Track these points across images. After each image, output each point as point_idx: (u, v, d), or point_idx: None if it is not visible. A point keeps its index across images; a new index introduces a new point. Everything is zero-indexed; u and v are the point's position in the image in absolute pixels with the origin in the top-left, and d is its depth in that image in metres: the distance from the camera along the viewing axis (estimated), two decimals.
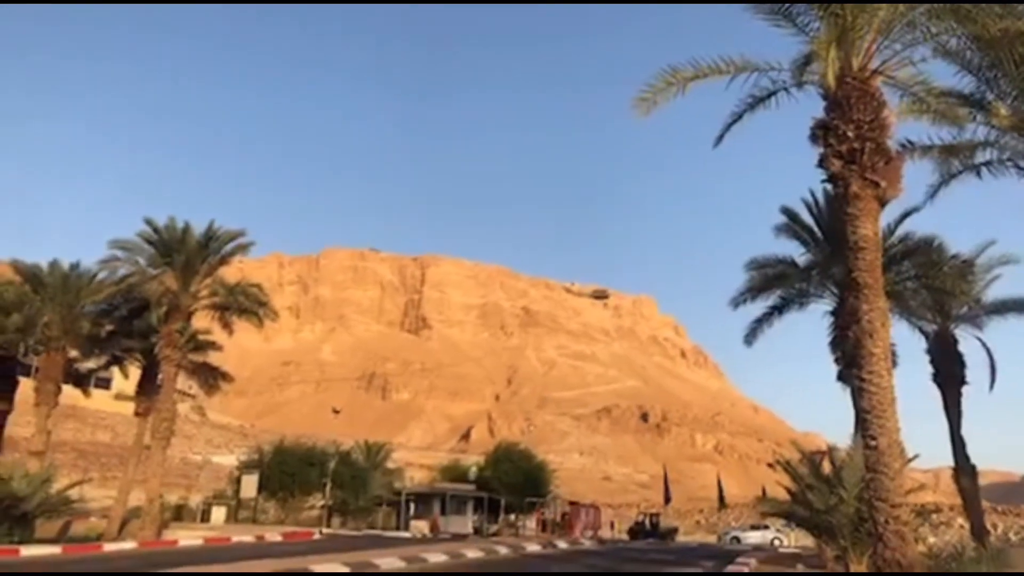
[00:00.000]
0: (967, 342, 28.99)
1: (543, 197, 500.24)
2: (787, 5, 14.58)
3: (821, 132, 14.18)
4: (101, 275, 33.75)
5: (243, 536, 32.70)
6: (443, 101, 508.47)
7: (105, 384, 71.15)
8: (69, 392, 36.69)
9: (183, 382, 37.83)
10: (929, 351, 28.94)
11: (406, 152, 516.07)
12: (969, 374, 28.37)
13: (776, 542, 45.20)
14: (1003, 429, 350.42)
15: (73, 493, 30.36)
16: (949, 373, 28.28)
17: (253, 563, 20.62)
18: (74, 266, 34.07)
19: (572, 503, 56.51)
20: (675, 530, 56.78)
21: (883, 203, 14.06)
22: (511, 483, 53.73)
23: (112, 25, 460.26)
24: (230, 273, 36.10)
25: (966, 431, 28.02)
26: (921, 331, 29.25)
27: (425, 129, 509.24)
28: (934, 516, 48.33)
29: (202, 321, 35.37)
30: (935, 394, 28.50)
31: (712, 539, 55.65)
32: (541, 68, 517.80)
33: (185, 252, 32.59)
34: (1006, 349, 31.66)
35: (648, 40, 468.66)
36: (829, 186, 15.31)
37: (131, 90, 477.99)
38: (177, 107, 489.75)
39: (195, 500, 48.49)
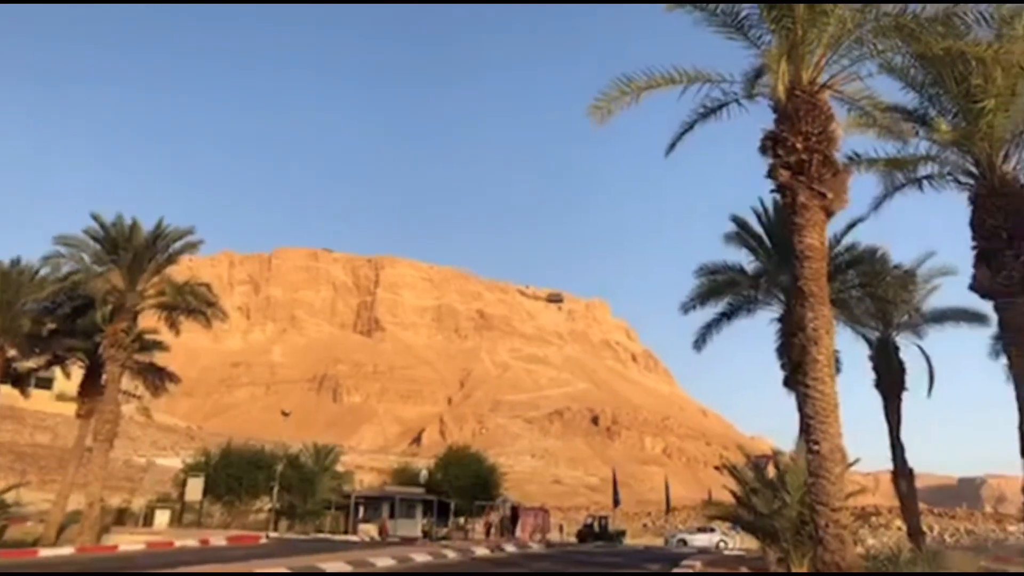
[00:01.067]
0: (907, 350, 29.87)
1: (501, 200, 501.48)
2: (740, 18, 14.84)
3: (771, 143, 14.42)
4: (43, 272, 32.82)
5: (187, 540, 32.05)
6: (400, 102, 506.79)
7: (46, 384, 69.21)
8: (7, 392, 35.70)
9: (128, 383, 36.95)
10: (872, 358, 29.69)
11: (362, 152, 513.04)
12: (909, 381, 29.21)
13: (722, 545, 45.82)
14: (940, 434, 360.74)
15: (9, 497, 29.50)
16: (890, 380, 29.05)
17: (195, 567, 20.25)
18: (15, 262, 33.06)
19: (514, 508, 56.44)
20: (623, 533, 57.21)
21: (830, 214, 14.35)
22: (462, 486, 53.68)
23: (67, 15, 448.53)
24: (179, 272, 35.47)
25: (905, 436, 28.87)
26: (864, 338, 29.98)
27: (382, 129, 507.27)
28: (874, 519, 49.54)
29: (149, 321, 34.66)
30: (877, 400, 29.28)
31: (659, 542, 56.20)
32: (498, 70, 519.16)
33: (132, 249, 31.92)
34: (943, 357, 32.60)
35: (603, 47, 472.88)
36: (778, 196, 15.61)
37: (80, 85, 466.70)
38: (128, 104, 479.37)
39: (138, 504, 47.40)
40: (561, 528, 61.18)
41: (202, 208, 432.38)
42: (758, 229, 27.47)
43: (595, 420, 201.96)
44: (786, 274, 24.90)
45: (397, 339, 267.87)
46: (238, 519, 47.27)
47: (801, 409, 16.71)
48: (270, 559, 22.89)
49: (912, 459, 28.81)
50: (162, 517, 42.52)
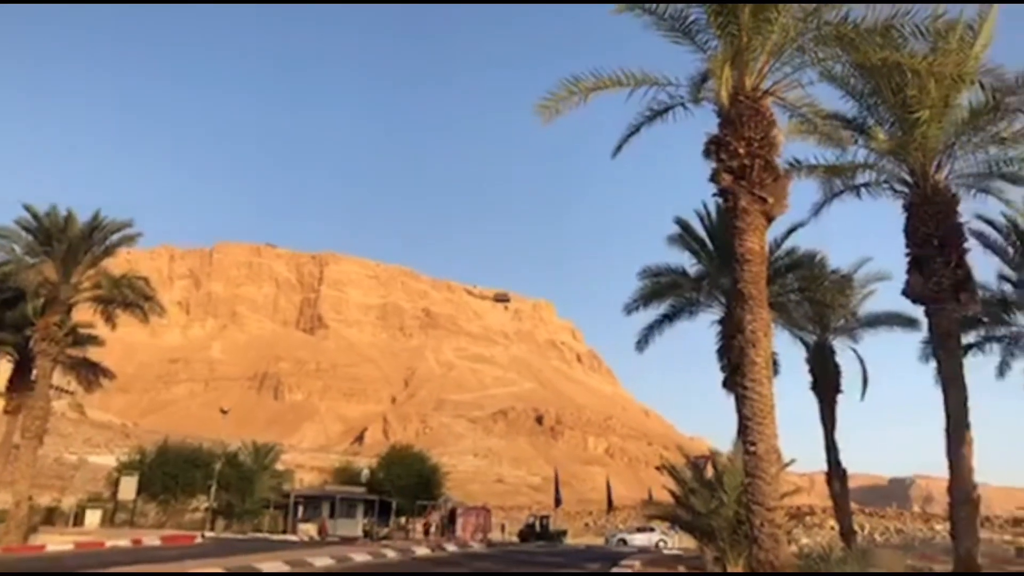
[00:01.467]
0: (843, 353, 30.59)
1: (448, 199, 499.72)
2: (687, 23, 15.00)
3: (714, 147, 14.60)
4: None
5: (119, 540, 31.16)
6: (353, 97, 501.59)
7: None
8: None
9: (60, 378, 35.81)
10: (808, 361, 30.34)
11: (308, 147, 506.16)
12: (843, 383, 29.91)
13: (661, 544, 46.33)
14: (872, 435, 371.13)
15: None
16: (826, 382, 29.72)
17: (126, 568, 19.69)
18: None
19: (452, 509, 56.19)
20: (564, 532, 57.50)
21: (770, 219, 14.58)
22: (404, 486, 53.36)
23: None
24: (117, 265, 34.52)
25: (839, 437, 29.57)
26: (802, 341, 30.62)
27: (330, 124, 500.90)
28: (808, 518, 50.71)
29: (84, 314, 33.66)
30: (813, 401, 29.92)
31: (600, 541, 56.61)
32: (460, 71, 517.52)
33: (67, 241, 30.98)
34: (876, 360, 33.52)
35: (558, 41, 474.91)
36: (720, 200, 15.81)
37: (15, 71, 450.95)
38: (69, 89, 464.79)
39: (68, 503, 46.02)
40: (503, 527, 61.19)
41: (142, 200, 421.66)
42: (701, 232, 27.78)
43: (539, 420, 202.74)
44: (728, 277, 25.25)
45: (341, 337, 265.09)
46: (173, 518, 46.24)
47: (739, 410, 16.96)
48: (205, 559, 22.39)
49: (845, 460, 29.58)
50: (93, 517, 41.35)
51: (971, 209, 19.95)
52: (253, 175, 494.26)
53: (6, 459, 32.64)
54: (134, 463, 47.04)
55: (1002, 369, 25.82)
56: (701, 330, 28.48)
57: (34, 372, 32.16)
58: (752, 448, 13.29)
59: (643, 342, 29.20)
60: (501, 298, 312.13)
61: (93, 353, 35.29)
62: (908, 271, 17.94)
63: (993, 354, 25.63)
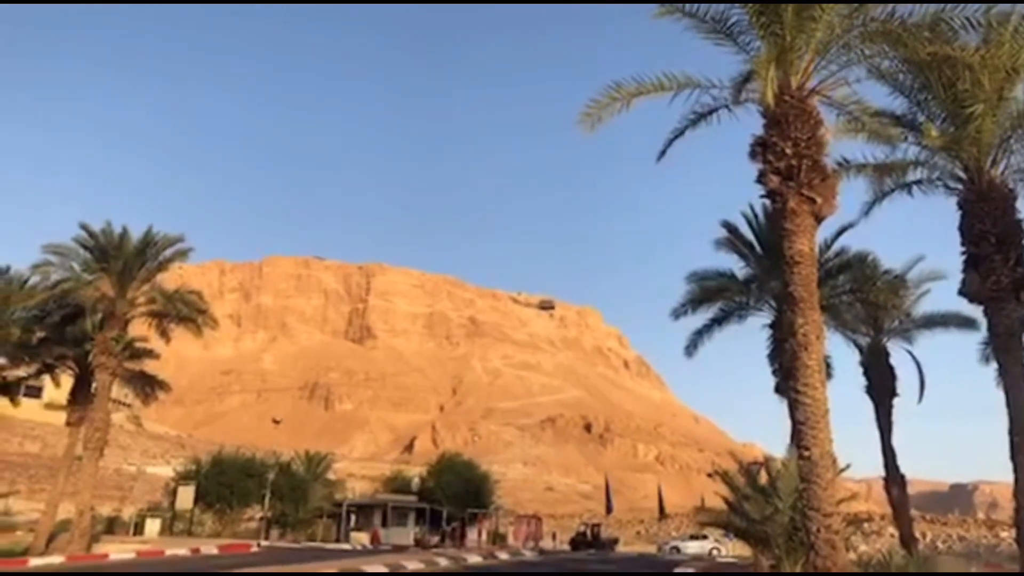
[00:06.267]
0: (898, 355, 29.91)
1: (493, 208, 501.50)
2: (728, 25, 14.88)
3: (760, 149, 14.44)
4: (33, 280, 32.59)
5: (178, 549, 31.86)
6: (395, 110, 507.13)
7: (35, 393, 68.64)
8: None
9: (118, 391, 36.69)
10: (862, 363, 29.73)
11: (354, 160, 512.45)
12: (899, 386, 29.24)
13: (714, 552, 45.79)
14: (931, 439, 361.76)
15: None
16: (881, 385, 29.07)
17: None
18: (3, 271, 32.84)
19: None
20: (616, 540, 57.14)
21: (819, 219, 14.35)
22: (454, 494, 53.47)
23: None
24: (169, 279, 35.31)
25: (896, 442, 28.88)
26: (855, 344, 30.02)
27: (374, 136, 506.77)
28: (866, 525, 49.63)
29: (139, 328, 34.42)
30: (868, 405, 29.30)
31: (652, 549, 56.13)
32: (495, 81, 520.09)
33: (122, 257, 31.76)
34: (933, 362, 32.70)
35: (602, 49, 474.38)
36: (768, 202, 15.63)
37: (67, 93, 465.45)
38: (116, 111, 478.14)
39: (128, 512, 47.10)
40: (554, 536, 61.04)
41: (192, 216, 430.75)
42: (748, 235, 27.48)
43: (587, 427, 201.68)
44: (777, 280, 24.91)
45: (389, 346, 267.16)
46: (229, 527, 47.00)
47: (792, 415, 16.69)
48: (264, 567, 22.75)
49: (903, 465, 28.89)
50: (152, 526, 42.26)
51: None
52: (301, 189, 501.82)
53: (69, 470, 33.53)
54: (190, 473, 47.95)
55: None
56: (751, 334, 28.13)
57: (93, 386, 33.01)
58: (807, 453, 13.08)
59: (692, 347, 28.95)
60: (546, 305, 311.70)
61: (149, 366, 36.06)
62: (964, 270, 17.45)
63: None
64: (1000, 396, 16.72)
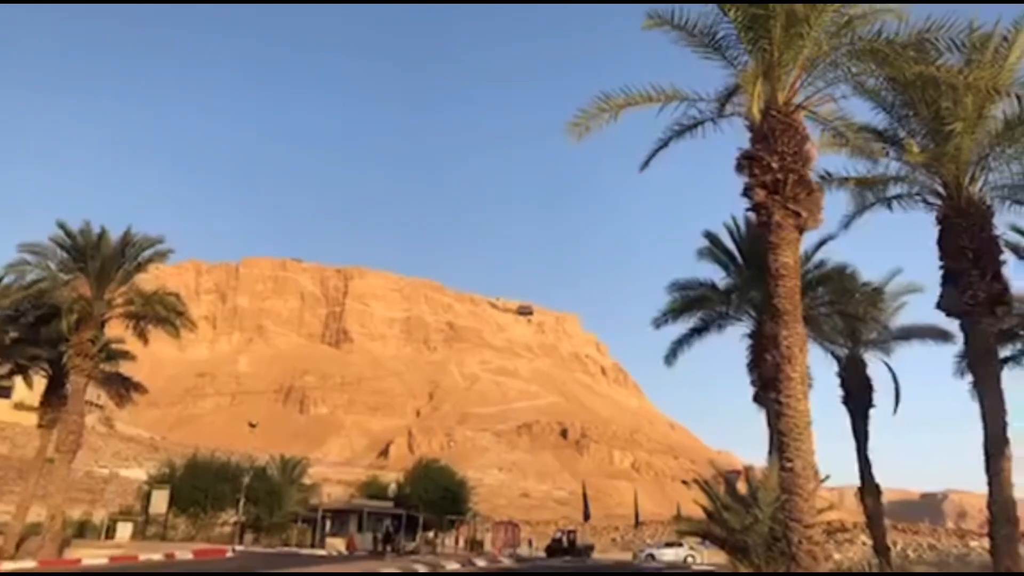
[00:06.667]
0: (874, 366, 30.24)
1: (472, 213, 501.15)
2: (717, 39, 15.03)
3: (746, 162, 14.58)
4: (7, 279, 32.06)
5: (151, 554, 31.41)
6: (376, 115, 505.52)
7: (4, 393, 67.76)
8: None
9: (91, 392, 36.18)
10: (840, 375, 30.01)
11: (333, 162, 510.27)
12: (875, 397, 29.55)
13: (690, 559, 45.95)
14: (903, 449, 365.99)
15: None
16: (858, 396, 29.37)
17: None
18: None
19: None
20: (591, 547, 57.19)
21: (803, 232, 14.53)
22: (430, 500, 53.32)
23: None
24: (146, 280, 34.86)
25: (871, 452, 29.18)
26: (833, 355, 30.31)
27: (355, 139, 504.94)
28: (839, 534, 50.04)
29: (115, 329, 33.97)
30: (841, 415, 29.58)
31: (628, 556, 56.23)
32: (480, 88, 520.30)
33: (100, 258, 31.33)
34: (905, 373, 33.04)
35: (586, 67, 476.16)
36: (752, 214, 15.76)
37: (43, 91, 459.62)
38: (94, 111, 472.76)
39: (100, 516, 46.46)
40: (530, 542, 61.02)
41: (169, 215, 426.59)
42: (730, 246, 27.71)
43: (564, 433, 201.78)
44: (757, 290, 25.19)
45: (365, 350, 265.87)
46: (203, 532, 46.51)
47: (774, 426, 16.86)
48: (242, 574, 22.53)
49: (876, 474, 29.18)
50: (124, 530, 41.62)
51: (1006, 222, 19.73)
52: (279, 190, 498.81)
53: (40, 473, 33.00)
54: (164, 476, 47.42)
55: None
56: (728, 343, 28.33)
57: (67, 387, 32.50)
58: (789, 464, 13.19)
59: (672, 356, 29.10)
60: (524, 311, 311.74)
61: (124, 368, 35.64)
62: (942, 284, 17.71)
63: None
64: (972, 407, 17.00)
